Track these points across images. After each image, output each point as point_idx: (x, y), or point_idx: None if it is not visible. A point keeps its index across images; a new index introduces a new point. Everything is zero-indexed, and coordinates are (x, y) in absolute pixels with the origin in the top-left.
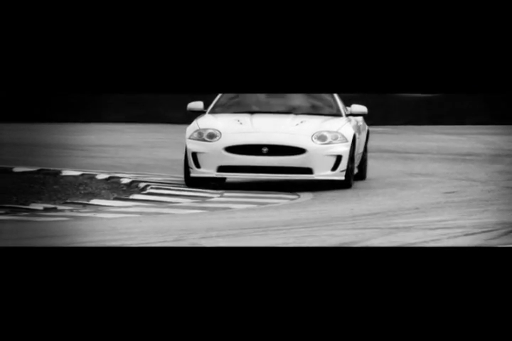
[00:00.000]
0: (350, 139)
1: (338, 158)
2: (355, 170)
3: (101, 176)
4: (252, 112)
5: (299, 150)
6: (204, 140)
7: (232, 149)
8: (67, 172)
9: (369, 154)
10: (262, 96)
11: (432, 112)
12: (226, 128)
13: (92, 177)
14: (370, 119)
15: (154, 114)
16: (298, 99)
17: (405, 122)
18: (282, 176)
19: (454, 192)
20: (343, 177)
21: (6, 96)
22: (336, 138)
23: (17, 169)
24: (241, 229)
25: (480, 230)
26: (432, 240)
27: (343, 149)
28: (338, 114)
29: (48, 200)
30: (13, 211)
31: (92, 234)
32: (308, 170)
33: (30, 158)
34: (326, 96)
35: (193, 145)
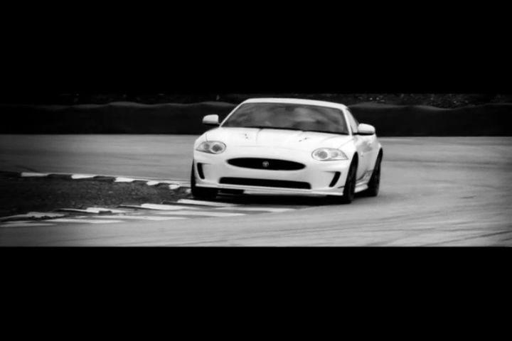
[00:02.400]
0: (350, 157)
1: (337, 174)
2: (364, 187)
3: (151, 182)
4: (261, 127)
5: (298, 165)
6: (209, 152)
7: (235, 162)
8: (120, 179)
9: (392, 163)
10: (275, 113)
11: (451, 124)
12: (231, 142)
13: (143, 183)
14: (395, 131)
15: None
16: (308, 117)
17: (427, 133)
18: (281, 189)
19: (471, 197)
20: (341, 193)
21: (66, 110)
22: (335, 155)
23: (75, 176)
24: (277, 231)
25: (495, 231)
26: (452, 241)
27: (342, 166)
28: (344, 132)
29: (103, 204)
30: (72, 214)
31: (143, 235)
32: (306, 185)
33: (88, 166)
34: (336, 114)
35: (199, 157)
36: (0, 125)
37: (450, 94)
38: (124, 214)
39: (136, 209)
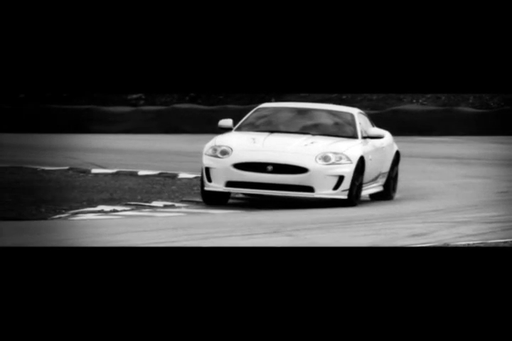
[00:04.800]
0: (355, 161)
1: (340, 178)
2: (379, 189)
3: None
4: (272, 131)
5: (301, 170)
6: (217, 156)
7: (240, 166)
8: (183, 175)
9: (434, 160)
10: (288, 117)
11: (488, 125)
12: (237, 146)
13: None
14: (436, 131)
15: None
16: (320, 121)
17: (466, 133)
18: (285, 193)
19: (506, 191)
20: (345, 197)
21: (133, 111)
22: (340, 159)
23: (141, 172)
24: (327, 223)
25: None
26: (489, 232)
27: (346, 170)
28: (354, 136)
29: (167, 199)
30: (138, 207)
31: (204, 226)
32: (310, 189)
33: (152, 163)
34: (347, 118)
35: (207, 161)
36: (71, 125)
37: (487, 97)
38: (187, 207)
39: (197, 203)
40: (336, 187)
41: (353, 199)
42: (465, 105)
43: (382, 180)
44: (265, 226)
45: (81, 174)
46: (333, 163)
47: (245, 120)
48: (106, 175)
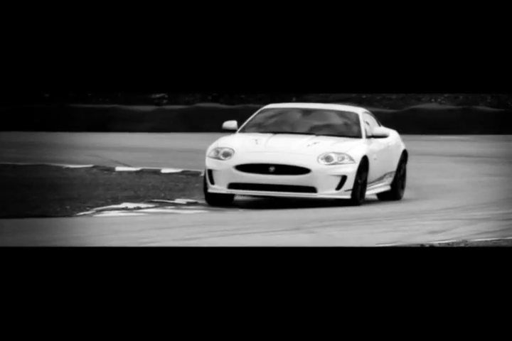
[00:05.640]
0: (357, 160)
1: (343, 178)
2: (386, 188)
3: None
4: (276, 132)
5: (303, 170)
6: (219, 158)
7: (242, 167)
8: None
9: (452, 158)
10: (292, 117)
11: (505, 123)
12: (240, 148)
13: None
14: (455, 130)
15: None
16: (325, 121)
17: (483, 132)
18: (287, 194)
19: None
20: (348, 196)
21: (156, 110)
22: (342, 159)
23: (164, 170)
24: (347, 220)
25: None
26: (507, 229)
27: (349, 170)
28: (358, 136)
29: (189, 196)
30: (162, 205)
31: (229, 223)
32: (312, 189)
33: (175, 162)
34: (351, 117)
35: (209, 163)
36: (95, 124)
37: (505, 96)
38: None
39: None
40: (338, 187)
41: (357, 199)
42: (483, 104)
43: (389, 180)
44: (286, 223)
45: (105, 172)
46: (335, 163)
47: (249, 121)
48: (130, 173)
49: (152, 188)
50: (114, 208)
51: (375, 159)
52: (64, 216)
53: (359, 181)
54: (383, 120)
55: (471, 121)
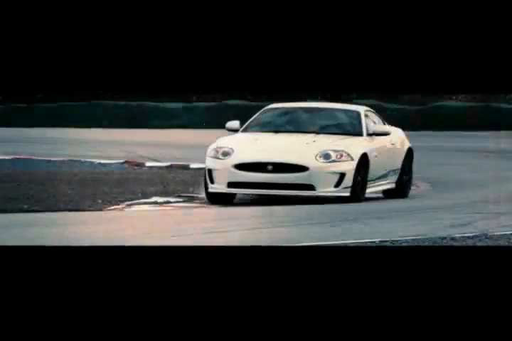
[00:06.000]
0: (356, 158)
1: (342, 175)
2: (391, 186)
3: None
4: (277, 131)
5: (301, 168)
6: (218, 158)
7: (241, 166)
8: None
9: (475, 154)
10: (295, 117)
11: None
12: (239, 147)
13: None
14: (476, 126)
15: None
16: (327, 120)
17: (504, 128)
18: (286, 192)
19: None
20: (348, 194)
21: (184, 107)
22: (340, 157)
23: (193, 165)
24: (384, 213)
25: None
26: None
27: (347, 167)
28: (359, 134)
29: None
30: (190, 199)
31: (259, 217)
32: (311, 187)
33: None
34: (353, 116)
35: (209, 163)
36: (126, 120)
37: None
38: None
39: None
40: (337, 185)
41: (358, 196)
42: (503, 101)
43: (393, 177)
44: (321, 217)
45: (136, 167)
46: (333, 161)
47: (252, 121)
48: (160, 168)
49: (181, 183)
50: (144, 202)
51: (376, 156)
52: (96, 210)
53: (358, 178)
54: (406, 116)
55: (491, 117)
